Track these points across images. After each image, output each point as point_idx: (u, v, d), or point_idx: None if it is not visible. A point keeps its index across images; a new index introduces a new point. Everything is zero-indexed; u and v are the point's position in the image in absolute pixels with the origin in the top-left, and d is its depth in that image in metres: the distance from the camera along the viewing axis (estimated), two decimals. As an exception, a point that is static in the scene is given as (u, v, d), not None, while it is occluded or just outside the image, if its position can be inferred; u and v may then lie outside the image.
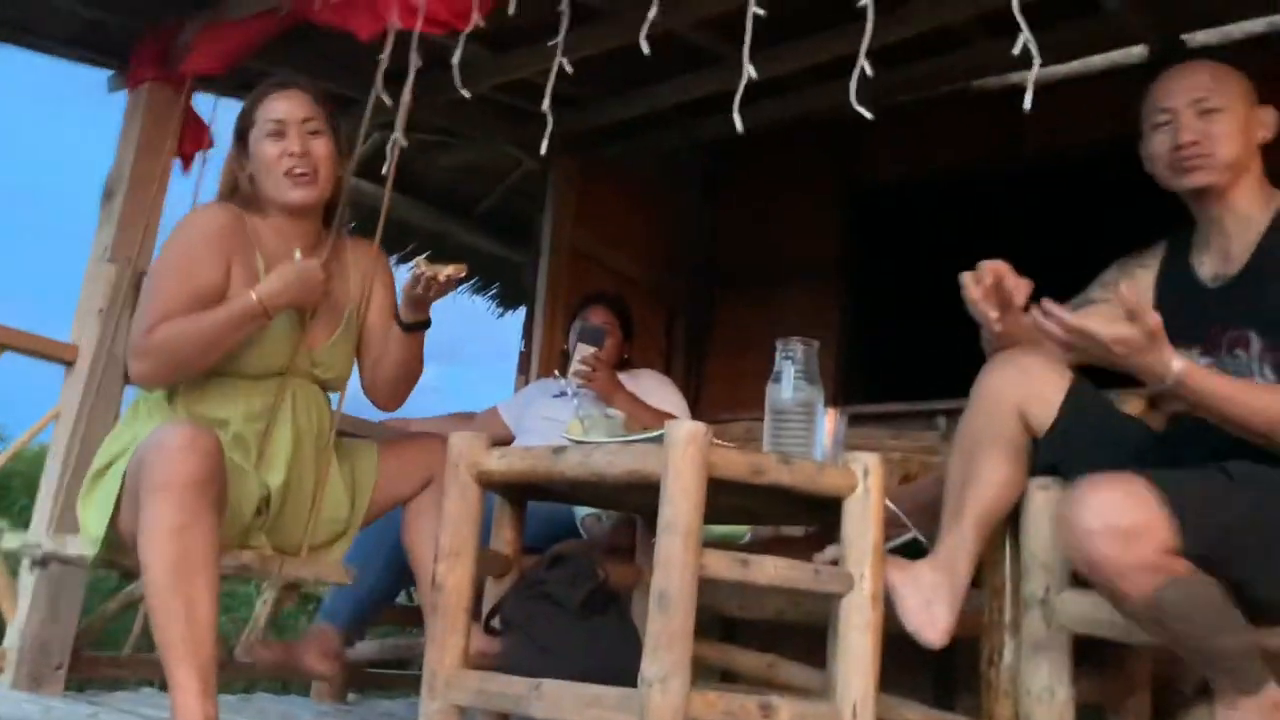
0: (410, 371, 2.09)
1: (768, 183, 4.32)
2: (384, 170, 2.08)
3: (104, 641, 2.74)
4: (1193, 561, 1.48)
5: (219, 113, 2.76)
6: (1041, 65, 3.82)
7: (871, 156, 4.09)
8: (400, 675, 3.19)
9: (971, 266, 1.72)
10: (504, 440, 3.19)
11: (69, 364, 2.55)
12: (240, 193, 2.02)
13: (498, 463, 1.83)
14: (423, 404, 2.06)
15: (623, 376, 3.09)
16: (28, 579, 2.40)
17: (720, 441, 1.63)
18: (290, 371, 2.00)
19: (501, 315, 5.50)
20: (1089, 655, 1.79)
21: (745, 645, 2.49)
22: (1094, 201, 4.23)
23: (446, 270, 1.92)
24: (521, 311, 4.78)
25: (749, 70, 1.78)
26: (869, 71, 1.78)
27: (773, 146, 3.84)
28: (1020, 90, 4.01)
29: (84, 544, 1.85)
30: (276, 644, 2.45)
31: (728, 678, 2.49)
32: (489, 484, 1.88)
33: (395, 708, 2.88)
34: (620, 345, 3.16)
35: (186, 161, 2.70)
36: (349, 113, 3.41)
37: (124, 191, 2.60)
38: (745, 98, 3.58)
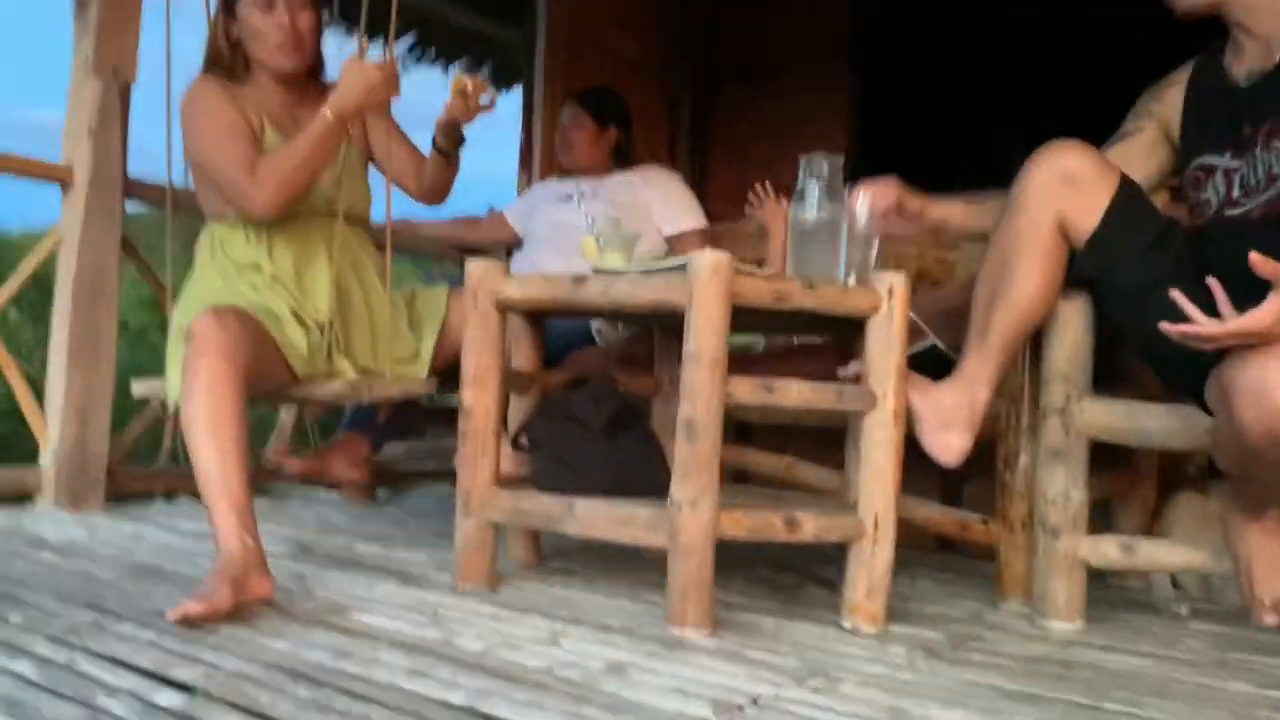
0: (451, 180, 2.29)
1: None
2: None
3: (135, 456, 2.81)
4: None
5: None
6: None
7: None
8: (426, 472, 3.29)
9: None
10: (511, 243, 3.16)
11: (65, 185, 2.48)
12: (221, 62, 2.12)
13: (517, 291, 1.82)
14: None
15: (631, 175, 3.03)
16: (57, 402, 2.43)
17: (742, 267, 1.61)
18: (309, 212, 2.10)
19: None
20: (1096, 456, 1.83)
21: (761, 445, 2.56)
22: None
23: (479, 80, 2.12)
24: (513, 92, 4.62)
25: None
26: None
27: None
28: None
29: (170, 393, 1.99)
30: (301, 459, 2.54)
31: (741, 478, 2.57)
32: (508, 309, 1.88)
33: (425, 504, 2.99)
34: (594, 137, 3.04)
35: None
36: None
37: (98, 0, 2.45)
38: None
